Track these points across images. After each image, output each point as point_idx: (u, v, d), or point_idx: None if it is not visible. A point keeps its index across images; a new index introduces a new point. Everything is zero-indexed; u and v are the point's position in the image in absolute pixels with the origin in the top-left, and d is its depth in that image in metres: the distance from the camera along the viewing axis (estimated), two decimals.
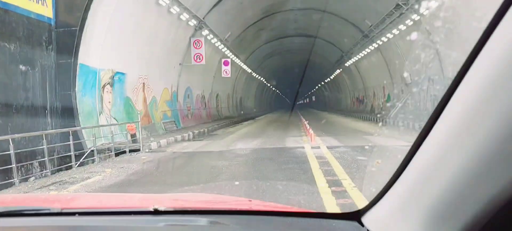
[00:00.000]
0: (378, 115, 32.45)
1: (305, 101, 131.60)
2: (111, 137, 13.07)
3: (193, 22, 22.25)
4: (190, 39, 23.39)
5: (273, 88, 77.67)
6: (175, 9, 19.33)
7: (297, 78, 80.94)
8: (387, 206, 1.14)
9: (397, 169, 1.08)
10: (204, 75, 29.68)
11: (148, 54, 19.23)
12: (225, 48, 30.61)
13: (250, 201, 1.66)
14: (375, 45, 29.89)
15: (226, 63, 31.52)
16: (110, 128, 14.84)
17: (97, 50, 15.21)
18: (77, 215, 1.35)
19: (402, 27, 23.68)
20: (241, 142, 16.08)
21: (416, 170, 1.00)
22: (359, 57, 35.45)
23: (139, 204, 1.63)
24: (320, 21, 34.91)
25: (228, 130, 24.82)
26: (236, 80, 42.02)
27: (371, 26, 28.27)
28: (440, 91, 22.42)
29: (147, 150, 14.07)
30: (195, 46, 23.26)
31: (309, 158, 10.42)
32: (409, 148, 1.01)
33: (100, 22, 14.84)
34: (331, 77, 55.53)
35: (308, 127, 19.36)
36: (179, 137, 17.78)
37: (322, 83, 68.75)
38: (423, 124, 0.98)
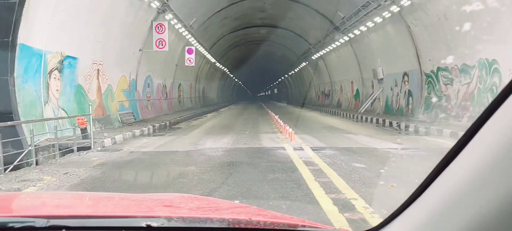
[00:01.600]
0: (347, 110, 31.30)
1: (266, 93, 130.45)
2: (57, 133, 10.82)
3: (155, 4, 19.99)
4: (152, 23, 21.11)
5: (236, 80, 75.66)
6: None
7: (261, 70, 79.38)
8: (400, 229, 1.05)
9: (414, 192, 1.00)
10: (166, 63, 27.41)
11: (104, 37, 16.89)
12: (190, 35, 28.40)
13: (248, 214, 1.53)
14: (346, 38, 28.57)
15: (190, 51, 29.33)
16: (58, 121, 12.56)
17: (43, 29, 12.82)
18: (64, 230, 1.25)
19: (377, 19, 22.31)
20: (209, 139, 14.15)
21: (436, 198, 0.91)
22: (328, 50, 34.13)
23: (131, 212, 1.57)
24: (288, 11, 33.29)
25: (192, 123, 22.78)
26: (199, 70, 39.83)
27: (343, 17, 26.88)
28: (416, 88, 21.30)
29: (99, 148, 11.90)
30: (158, 31, 21.00)
31: (297, 163, 8.67)
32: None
33: None
34: (296, 70, 54.20)
35: (281, 122, 17.69)
36: (137, 131, 15.61)
37: (286, 75, 67.45)
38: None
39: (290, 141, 12.38)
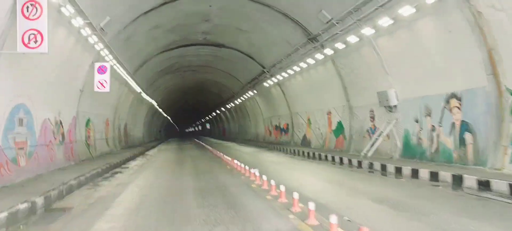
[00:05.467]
0: (324, 151, 22.09)
1: (196, 129, 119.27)
2: None
3: None
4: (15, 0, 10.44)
5: (165, 115, 64.21)
6: None
7: (193, 103, 68.83)
8: None
9: None
10: (61, 86, 16.36)
11: None
12: (101, 44, 17.80)
13: None
14: (329, 51, 19.61)
15: (102, 70, 18.58)
16: None
17: None
18: None
19: (403, 11, 13.58)
20: None
21: None
22: (293, 71, 24.95)
23: None
24: (242, 20, 23.80)
25: (99, 189, 12.02)
26: (120, 100, 28.74)
27: (330, 20, 17.90)
28: (486, 118, 12.46)
29: None
30: (28, 15, 10.34)
31: None
32: None
33: None
34: (238, 101, 44.54)
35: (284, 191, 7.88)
36: None
37: (223, 108, 57.59)
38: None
39: None
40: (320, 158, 20.34)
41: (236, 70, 35.66)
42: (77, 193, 11.19)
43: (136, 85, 29.96)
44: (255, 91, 35.90)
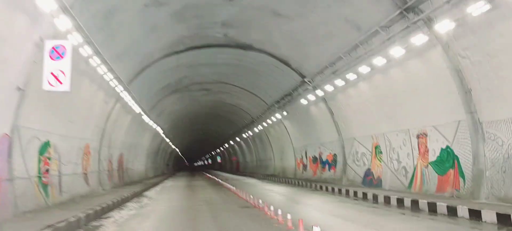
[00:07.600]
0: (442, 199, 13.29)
1: (206, 162, 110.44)
2: None
3: None
4: None
5: (172, 146, 55.45)
6: None
7: (203, 133, 60.37)
8: None
9: None
10: None
11: None
12: (55, 5, 9.55)
13: None
14: (439, 28, 11.20)
15: (57, 52, 10.23)
16: None
17: None
18: None
19: None
20: None
21: None
22: (356, 76, 16.46)
23: None
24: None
25: None
26: (109, 120, 20.23)
27: None
28: None
29: None
30: None
31: None
32: None
33: None
34: (257, 128, 35.82)
35: None
36: None
37: (237, 139, 48.90)
38: None
39: None
40: (432, 211, 11.49)
41: (261, 86, 27.27)
42: None
43: (133, 101, 21.56)
44: (284, 113, 27.33)
